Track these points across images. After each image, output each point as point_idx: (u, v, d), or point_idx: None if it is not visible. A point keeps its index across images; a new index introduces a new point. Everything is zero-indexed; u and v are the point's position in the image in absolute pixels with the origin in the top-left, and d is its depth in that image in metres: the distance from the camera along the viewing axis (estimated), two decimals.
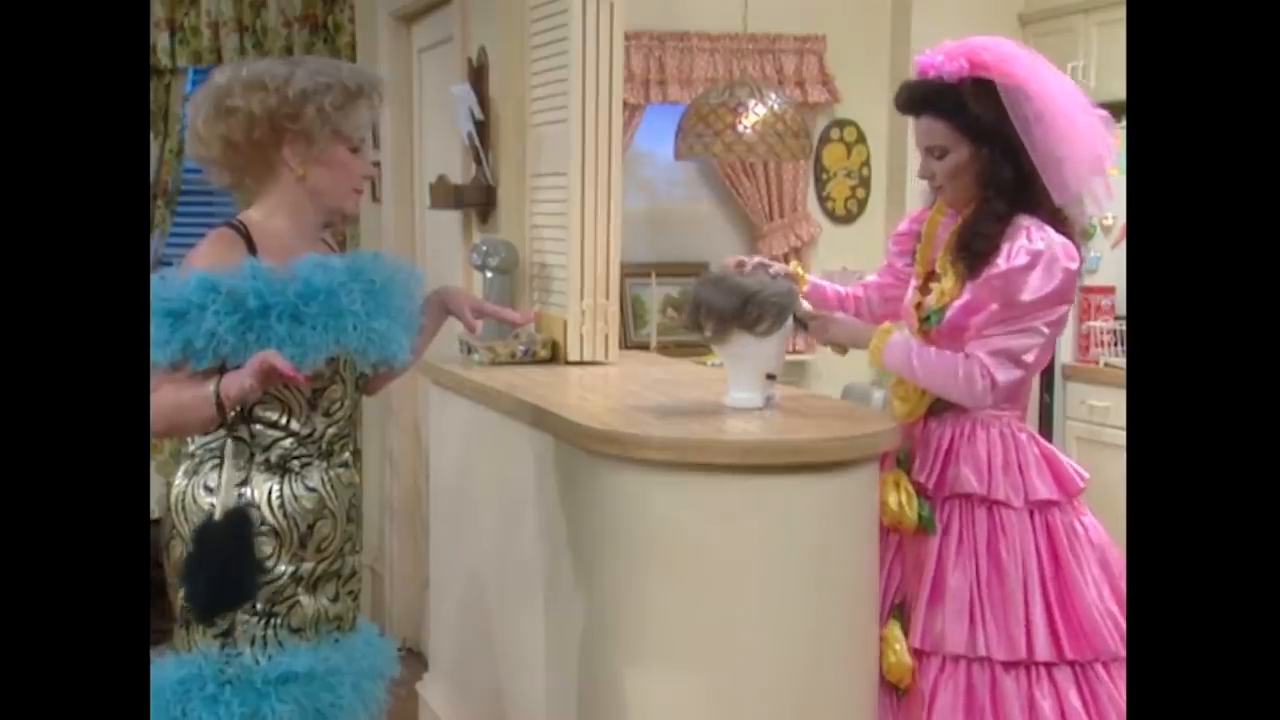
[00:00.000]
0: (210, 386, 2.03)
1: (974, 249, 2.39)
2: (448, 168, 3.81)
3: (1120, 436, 4.16)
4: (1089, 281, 4.43)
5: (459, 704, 3.19)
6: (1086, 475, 2.51)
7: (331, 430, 2.20)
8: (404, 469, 4.51)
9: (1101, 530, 2.47)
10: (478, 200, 3.62)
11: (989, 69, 2.40)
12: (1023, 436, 2.45)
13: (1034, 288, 2.32)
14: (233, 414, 2.09)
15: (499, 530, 2.98)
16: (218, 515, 2.12)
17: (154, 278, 2.04)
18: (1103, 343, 4.38)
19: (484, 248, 3.40)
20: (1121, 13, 4.52)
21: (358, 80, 2.18)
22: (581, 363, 3.15)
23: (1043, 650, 2.34)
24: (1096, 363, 4.35)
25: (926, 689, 2.38)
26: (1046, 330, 2.36)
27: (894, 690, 2.43)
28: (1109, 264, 4.45)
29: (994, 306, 2.35)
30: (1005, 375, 2.35)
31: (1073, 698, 2.35)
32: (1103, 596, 2.39)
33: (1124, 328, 4.37)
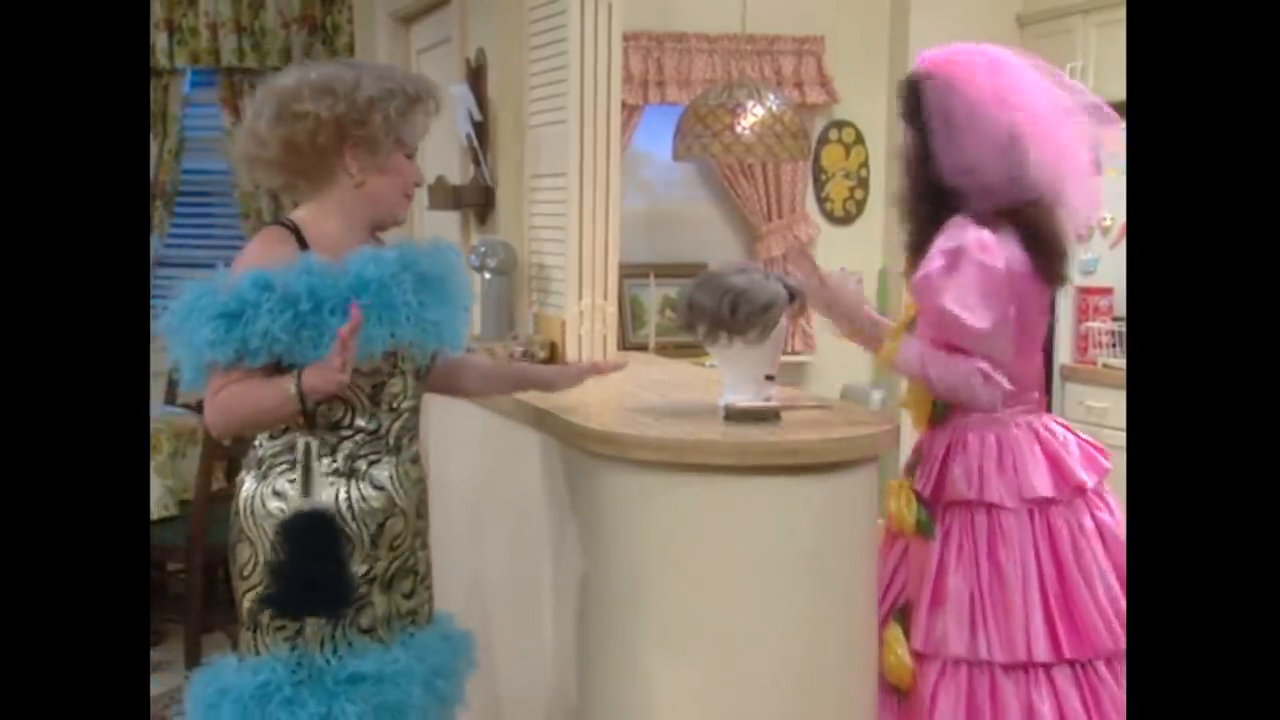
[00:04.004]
0: (290, 385, 2.02)
1: (912, 256, 2.42)
2: (446, 168, 3.80)
3: (1119, 437, 4.14)
4: (1086, 282, 4.43)
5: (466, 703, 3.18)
6: (1106, 465, 2.45)
7: (397, 425, 2.20)
8: None
9: (1115, 523, 2.42)
10: (476, 201, 3.61)
11: (935, 68, 2.38)
12: (1018, 433, 2.41)
13: (941, 288, 2.30)
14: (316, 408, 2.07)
15: (501, 532, 2.98)
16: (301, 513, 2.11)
17: (204, 277, 2.04)
18: (1101, 344, 4.38)
19: (482, 248, 3.39)
20: (1120, 14, 4.53)
21: (418, 87, 2.18)
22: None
23: (1041, 651, 2.33)
24: (1095, 363, 4.35)
25: (927, 692, 2.37)
26: (982, 326, 2.29)
27: (895, 692, 2.42)
28: (1107, 265, 4.45)
29: (927, 311, 2.36)
30: (985, 379, 2.34)
31: (1073, 699, 2.33)
32: (1108, 594, 2.36)
33: (1122, 328, 4.36)
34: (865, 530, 2.36)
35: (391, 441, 2.19)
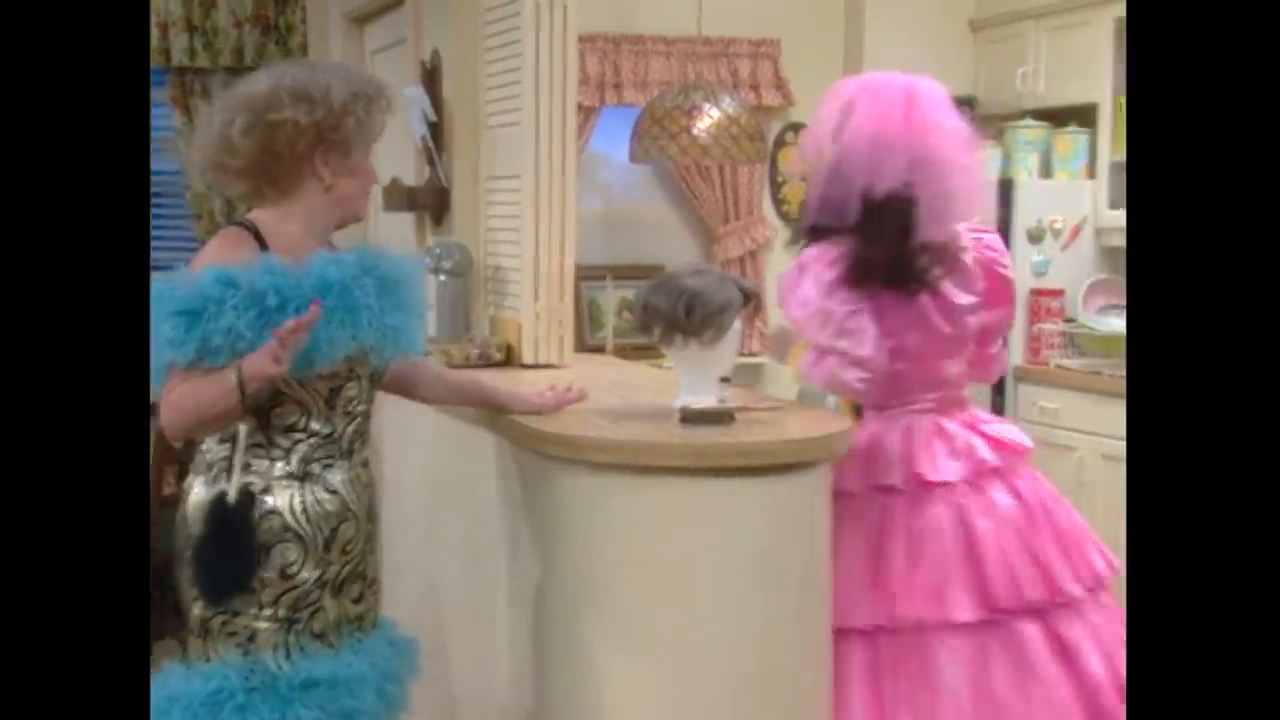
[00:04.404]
0: (230, 373, 1.98)
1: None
2: (400, 170, 3.78)
3: (1071, 438, 4.20)
4: (1038, 284, 4.48)
5: (414, 708, 3.16)
6: (990, 460, 2.59)
7: (351, 429, 2.19)
8: None
9: (1011, 504, 2.56)
10: (431, 202, 3.59)
11: (845, 95, 2.67)
12: (911, 424, 2.59)
13: (789, 296, 2.57)
14: (256, 399, 2.04)
15: (456, 534, 2.96)
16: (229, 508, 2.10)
17: (164, 277, 2.01)
18: (1053, 345, 4.43)
19: (437, 250, 3.38)
20: (1070, 19, 4.59)
21: (375, 86, 2.18)
22: (536, 366, 3.14)
23: (946, 612, 2.48)
24: (1047, 364, 4.40)
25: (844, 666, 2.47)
26: (826, 331, 2.50)
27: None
28: (1058, 267, 4.51)
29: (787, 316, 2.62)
30: (847, 374, 2.51)
31: (981, 657, 2.49)
32: (1010, 557, 2.51)
33: (1074, 329, 4.41)
34: (820, 531, 2.37)
35: (345, 445, 2.19)
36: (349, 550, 2.18)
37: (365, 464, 2.24)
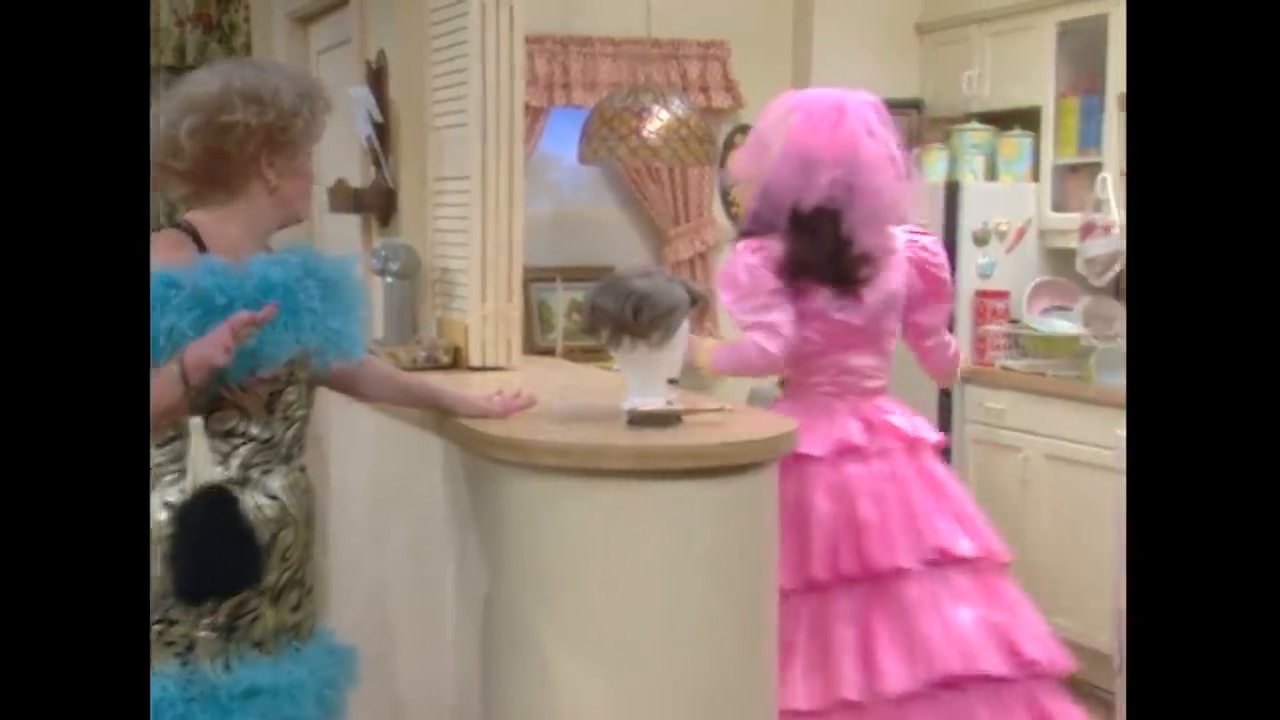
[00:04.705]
0: (173, 365, 1.95)
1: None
2: (346, 171, 3.75)
3: (1017, 438, 4.25)
4: (984, 286, 4.53)
5: (359, 713, 3.13)
6: (909, 437, 2.88)
7: (290, 433, 2.17)
8: None
9: (867, 472, 2.83)
10: (378, 204, 3.57)
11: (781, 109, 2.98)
12: (807, 402, 2.88)
13: (722, 285, 2.92)
14: (198, 393, 2.00)
15: (402, 538, 2.94)
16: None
17: None
18: (998, 346, 4.48)
19: (384, 252, 3.35)
20: (1014, 23, 4.65)
21: (315, 86, 2.18)
22: (484, 368, 3.12)
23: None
24: (992, 365, 4.44)
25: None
26: (747, 311, 2.83)
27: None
28: (1004, 268, 4.56)
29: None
30: (770, 345, 2.79)
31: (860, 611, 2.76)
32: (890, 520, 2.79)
33: (1018, 331, 4.47)
34: (768, 532, 2.38)
35: (284, 450, 2.16)
36: (288, 557, 2.16)
37: (303, 469, 2.22)
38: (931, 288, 2.94)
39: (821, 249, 2.80)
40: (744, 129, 4.99)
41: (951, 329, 4.40)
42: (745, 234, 2.92)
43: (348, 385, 2.40)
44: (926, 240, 2.96)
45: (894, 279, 2.88)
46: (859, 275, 2.82)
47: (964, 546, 2.79)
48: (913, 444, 2.88)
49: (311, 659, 2.19)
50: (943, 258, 2.96)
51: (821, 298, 2.84)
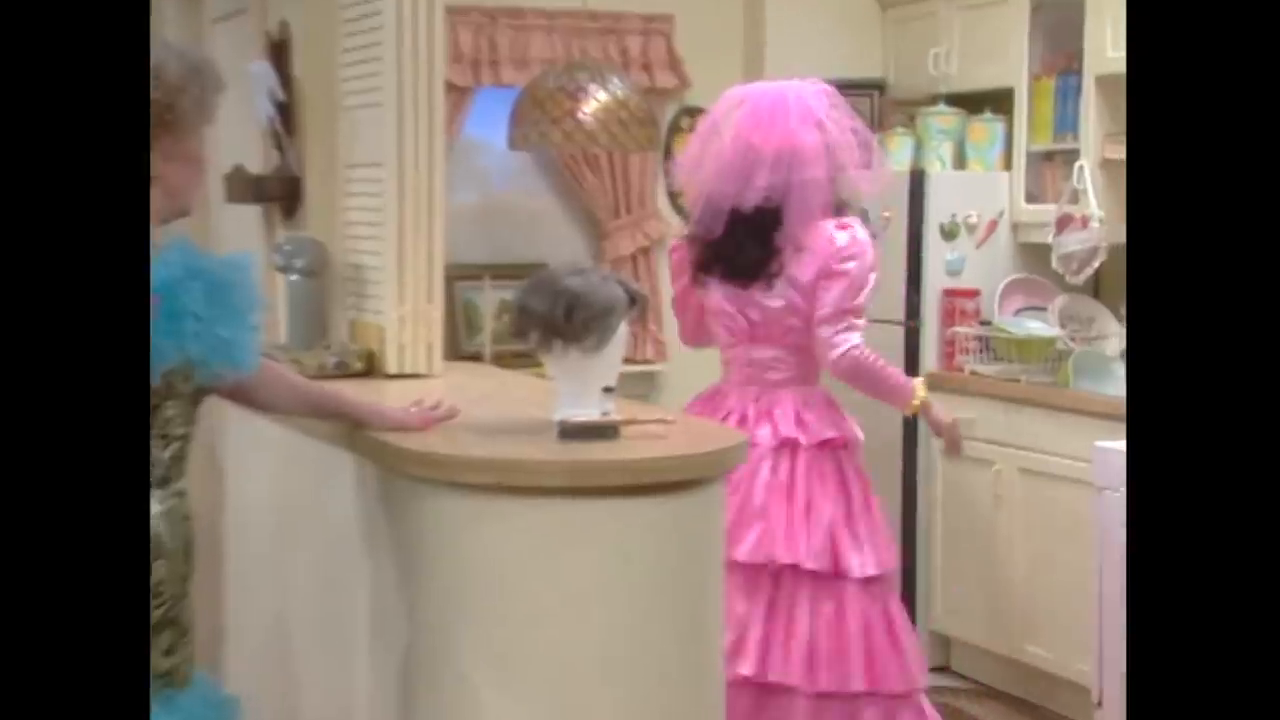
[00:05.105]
0: None
1: None
2: (245, 156, 3.71)
3: (986, 450, 4.28)
4: (951, 284, 4.56)
5: None
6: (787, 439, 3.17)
7: (168, 454, 2.14)
8: (197, 500, 4.35)
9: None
10: (281, 193, 3.54)
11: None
12: (711, 390, 3.31)
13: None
14: None
15: (311, 567, 2.92)
16: None
17: None
18: (968, 349, 4.49)
19: (288, 247, 3.34)
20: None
21: (205, 60, 2.16)
22: (402, 376, 3.11)
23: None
24: (962, 370, 4.46)
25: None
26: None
27: None
28: (974, 264, 4.58)
29: None
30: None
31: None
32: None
33: (990, 334, 4.50)
34: (712, 552, 2.39)
35: (160, 473, 2.13)
36: (161, 593, 2.11)
37: (182, 494, 2.19)
38: (827, 283, 3.15)
39: (751, 248, 3.15)
40: (690, 111, 5.00)
41: (917, 331, 4.50)
42: (690, 237, 3.29)
43: (243, 395, 2.36)
44: (846, 234, 3.16)
45: (806, 271, 3.12)
46: (766, 271, 3.15)
47: (781, 555, 3.09)
48: (784, 443, 3.15)
49: (186, 710, 2.15)
50: (858, 248, 3.16)
51: (723, 292, 3.20)
